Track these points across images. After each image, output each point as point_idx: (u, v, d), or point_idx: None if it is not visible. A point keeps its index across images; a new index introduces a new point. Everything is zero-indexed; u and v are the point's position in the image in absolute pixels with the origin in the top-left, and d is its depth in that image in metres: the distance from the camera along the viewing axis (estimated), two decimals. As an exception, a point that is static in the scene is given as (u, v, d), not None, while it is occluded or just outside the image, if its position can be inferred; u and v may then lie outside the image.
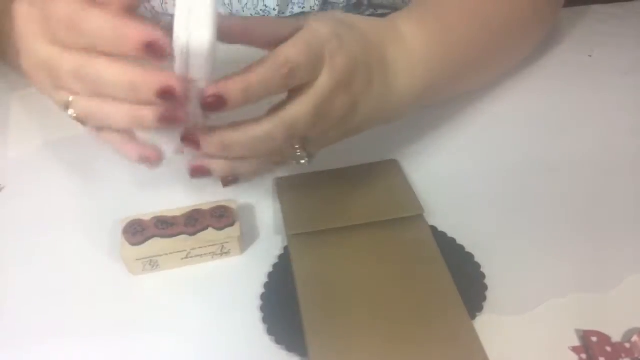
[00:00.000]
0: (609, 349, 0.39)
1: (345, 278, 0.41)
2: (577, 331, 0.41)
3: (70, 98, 0.36)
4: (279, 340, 0.40)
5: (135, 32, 0.32)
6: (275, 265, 0.45)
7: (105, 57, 0.34)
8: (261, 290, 0.43)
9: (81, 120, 0.37)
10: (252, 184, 0.51)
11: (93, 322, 0.42)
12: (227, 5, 0.65)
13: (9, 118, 0.60)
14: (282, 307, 0.42)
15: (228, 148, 0.37)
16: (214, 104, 0.34)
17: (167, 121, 0.35)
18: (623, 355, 0.39)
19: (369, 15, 0.77)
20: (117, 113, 0.35)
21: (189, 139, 0.37)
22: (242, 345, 0.40)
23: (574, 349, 0.40)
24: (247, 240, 0.47)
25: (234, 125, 0.37)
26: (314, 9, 0.70)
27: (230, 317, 0.42)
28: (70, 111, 0.36)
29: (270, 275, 0.44)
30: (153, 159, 0.37)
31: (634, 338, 0.40)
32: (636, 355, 0.39)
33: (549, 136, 0.58)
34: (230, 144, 0.37)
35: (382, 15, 0.75)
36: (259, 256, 0.46)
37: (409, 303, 0.40)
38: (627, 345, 0.40)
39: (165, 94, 0.33)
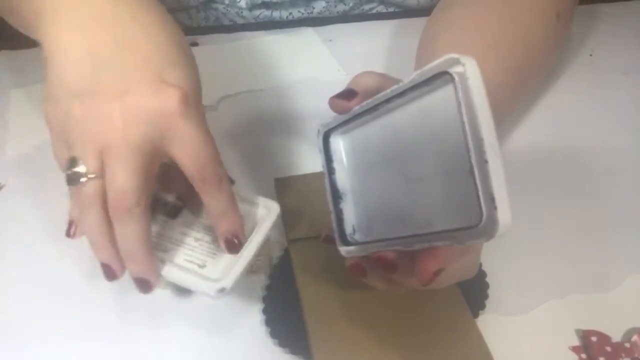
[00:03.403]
0: (608, 348, 0.40)
1: (346, 280, 0.41)
2: (577, 331, 0.41)
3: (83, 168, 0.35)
4: (282, 343, 0.40)
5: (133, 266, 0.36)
6: (276, 267, 0.45)
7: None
8: (263, 292, 0.43)
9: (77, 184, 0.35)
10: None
11: (92, 324, 0.42)
12: None
13: (8, 116, 0.59)
14: (284, 309, 0.42)
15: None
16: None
17: (138, 286, 0.37)
18: (623, 355, 0.39)
19: (377, 11, 0.77)
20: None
21: (355, 267, 0.37)
22: (245, 349, 0.40)
23: (574, 349, 0.40)
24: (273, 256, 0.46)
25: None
26: None
27: (231, 320, 0.42)
28: (80, 168, 0.34)
29: (271, 277, 0.44)
30: (115, 277, 0.37)
31: (634, 338, 0.40)
32: (636, 355, 0.39)
33: (548, 135, 0.58)
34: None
35: (391, 12, 0.76)
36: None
37: (412, 302, 0.41)
38: (627, 345, 0.40)
39: (141, 285, 0.37)
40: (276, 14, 0.73)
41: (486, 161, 0.26)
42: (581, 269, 0.46)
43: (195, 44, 0.69)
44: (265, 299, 0.43)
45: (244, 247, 0.38)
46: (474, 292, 0.42)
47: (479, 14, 0.53)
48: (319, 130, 0.38)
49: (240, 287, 0.44)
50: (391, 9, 0.77)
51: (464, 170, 0.27)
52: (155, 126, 0.34)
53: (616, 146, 0.57)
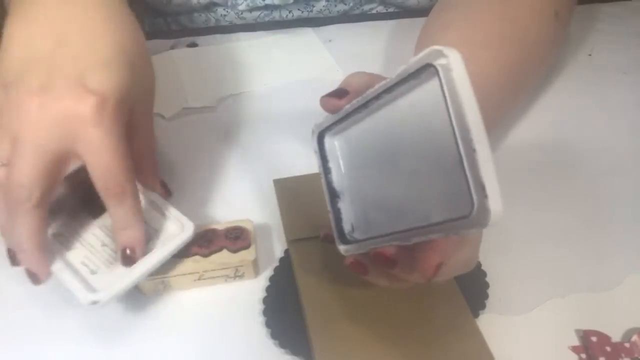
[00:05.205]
0: (608, 348, 0.40)
1: (347, 280, 0.41)
2: (577, 331, 0.41)
3: None
4: (282, 344, 0.40)
5: (28, 259, 0.37)
6: (276, 269, 0.45)
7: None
8: (263, 294, 0.43)
9: None
10: (268, 203, 0.50)
11: (93, 324, 0.42)
12: None
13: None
14: (284, 310, 0.42)
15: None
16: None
17: (28, 276, 0.39)
18: (623, 354, 0.39)
19: (377, 11, 0.77)
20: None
21: (355, 265, 0.37)
22: (245, 350, 0.40)
23: (574, 349, 0.40)
24: (262, 262, 0.46)
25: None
26: None
27: (232, 322, 0.42)
28: None
29: (271, 278, 0.44)
30: (16, 263, 0.38)
31: (634, 338, 0.40)
32: (636, 355, 0.39)
33: (548, 135, 0.58)
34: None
35: (391, 12, 0.76)
36: (261, 258, 0.46)
37: (413, 302, 0.41)
38: (627, 344, 0.40)
39: (30, 276, 0.38)
40: (276, 13, 0.74)
41: (474, 150, 0.27)
42: (581, 268, 0.46)
43: (194, 45, 0.69)
44: (265, 300, 0.43)
45: (138, 263, 0.39)
46: (474, 292, 0.42)
47: (477, 14, 0.53)
48: (313, 131, 0.38)
49: (240, 289, 0.44)
50: (391, 9, 0.77)
51: (454, 161, 0.28)
52: (65, 128, 0.34)
53: (616, 146, 0.57)
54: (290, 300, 0.42)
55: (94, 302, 0.37)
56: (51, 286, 0.44)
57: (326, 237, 0.38)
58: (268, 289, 0.43)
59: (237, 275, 0.44)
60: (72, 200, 0.43)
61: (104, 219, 0.42)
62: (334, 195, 0.38)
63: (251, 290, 0.44)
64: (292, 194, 0.49)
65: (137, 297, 0.43)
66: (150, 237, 0.40)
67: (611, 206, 0.51)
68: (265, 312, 0.42)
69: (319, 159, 0.38)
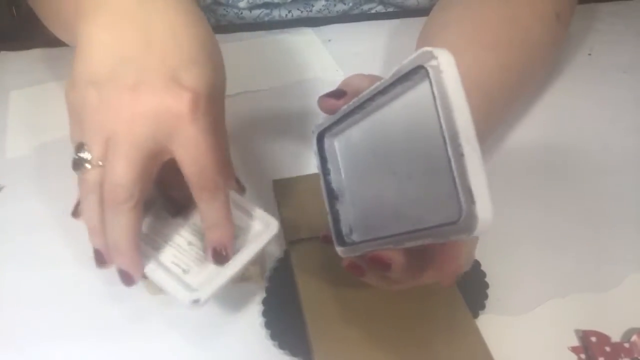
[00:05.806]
0: (608, 348, 0.40)
1: (346, 281, 0.41)
2: (577, 331, 0.41)
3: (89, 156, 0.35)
4: (282, 345, 0.40)
5: (121, 259, 0.37)
6: (275, 270, 0.45)
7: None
8: (262, 295, 0.43)
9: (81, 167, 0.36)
10: (267, 203, 0.50)
11: (93, 325, 0.42)
12: None
13: (7, 117, 0.59)
14: (284, 311, 0.42)
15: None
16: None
17: (121, 277, 0.38)
18: (622, 355, 0.39)
19: (377, 11, 0.77)
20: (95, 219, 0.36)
21: (352, 267, 0.37)
22: (244, 351, 0.40)
23: (574, 349, 0.40)
24: (269, 262, 0.46)
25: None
26: None
27: (231, 323, 0.42)
28: (85, 154, 0.35)
29: (271, 279, 0.44)
30: (104, 264, 0.38)
31: (633, 338, 0.40)
32: (635, 355, 0.39)
33: (548, 135, 0.58)
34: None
35: (390, 12, 0.76)
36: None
37: (412, 303, 0.41)
38: (627, 345, 0.40)
39: (123, 277, 0.37)
40: (276, 12, 0.74)
41: (462, 154, 0.26)
42: (580, 268, 0.46)
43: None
44: (265, 302, 0.43)
45: (230, 261, 0.38)
46: (474, 292, 0.42)
47: (477, 14, 0.53)
48: (312, 132, 0.38)
49: (240, 290, 0.44)
50: (390, 9, 0.77)
51: (443, 166, 0.27)
52: (161, 125, 0.34)
53: (616, 145, 0.57)
54: (289, 301, 0.42)
55: (196, 301, 0.36)
56: (49, 289, 0.44)
57: (325, 239, 0.38)
58: (267, 290, 0.43)
59: (243, 278, 0.44)
60: (154, 200, 0.42)
61: (187, 218, 0.41)
62: (332, 196, 0.37)
63: (251, 291, 0.44)
64: (291, 195, 0.49)
65: (137, 296, 0.43)
66: (236, 235, 0.39)
67: (611, 206, 0.51)
68: (265, 313, 0.42)
69: (318, 160, 0.38)
